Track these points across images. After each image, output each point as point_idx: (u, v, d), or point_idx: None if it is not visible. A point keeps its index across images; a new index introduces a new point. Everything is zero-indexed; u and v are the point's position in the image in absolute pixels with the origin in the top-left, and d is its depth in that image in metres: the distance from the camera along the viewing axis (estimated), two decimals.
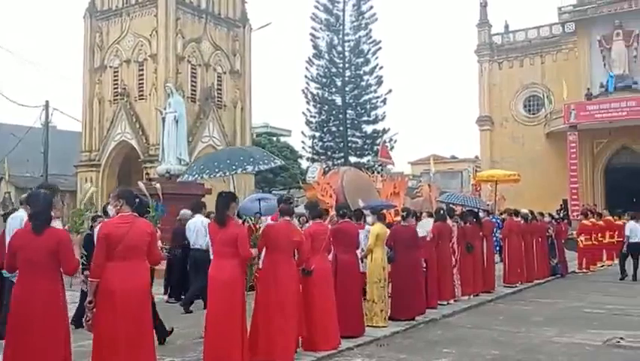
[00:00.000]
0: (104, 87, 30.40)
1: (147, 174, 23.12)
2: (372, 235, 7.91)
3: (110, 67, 30.30)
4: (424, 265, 8.83)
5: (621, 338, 7.29)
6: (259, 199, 8.83)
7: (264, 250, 6.10)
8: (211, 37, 30.59)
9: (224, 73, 30.83)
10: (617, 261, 17.80)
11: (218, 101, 30.18)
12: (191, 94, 28.91)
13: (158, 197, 10.66)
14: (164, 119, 17.87)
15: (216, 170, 6.40)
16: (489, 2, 40.71)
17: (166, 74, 27.49)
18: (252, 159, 6.48)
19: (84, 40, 30.90)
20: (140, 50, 29.44)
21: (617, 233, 18.28)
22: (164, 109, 18.15)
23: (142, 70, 29.16)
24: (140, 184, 9.87)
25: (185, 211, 10.16)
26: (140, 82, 29.22)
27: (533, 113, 38.57)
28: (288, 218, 6.33)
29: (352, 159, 28.69)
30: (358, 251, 7.87)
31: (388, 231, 8.38)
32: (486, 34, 40.41)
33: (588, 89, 34.93)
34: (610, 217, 18.85)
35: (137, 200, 5.05)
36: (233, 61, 31.15)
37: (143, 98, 28.93)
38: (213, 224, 5.74)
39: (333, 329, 6.56)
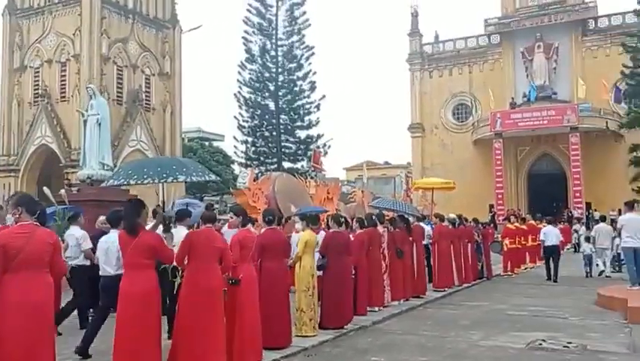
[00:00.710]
0: (24, 88, 28.86)
1: (68, 179, 21.98)
2: (301, 242, 7.69)
3: (31, 67, 28.81)
4: (353, 271, 8.71)
5: (543, 340, 7.43)
6: (187, 204, 8.48)
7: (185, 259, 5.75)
8: (139, 38, 29.61)
9: (153, 75, 29.92)
10: (539, 263, 18.65)
11: (146, 104, 29.22)
12: (117, 96, 27.82)
13: (64, 204, 9.99)
14: (85, 122, 16.95)
15: (145, 176, 6.02)
16: (420, 12, 41.92)
17: (90, 74, 26.36)
18: (184, 169, 6.15)
19: (2, 39, 29.29)
20: (62, 49, 28.13)
21: (539, 236, 19.07)
22: (86, 111, 17.23)
23: (64, 70, 27.86)
24: (45, 190, 9.22)
25: (104, 218, 9.56)
26: (62, 83, 27.91)
27: (462, 121, 39.92)
28: (210, 225, 6.02)
29: (286, 165, 28.47)
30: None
31: (318, 237, 8.21)
32: (417, 44, 41.50)
33: (512, 98, 36.54)
34: (532, 221, 19.62)
35: (39, 207, 4.60)
36: (163, 63, 30.27)
37: (65, 100, 27.62)
38: (123, 234, 5.35)
39: (258, 341, 6.29)
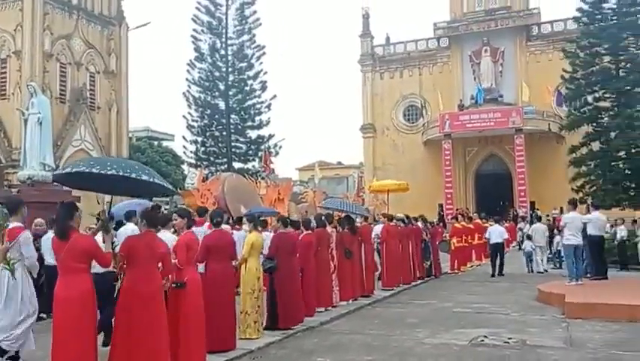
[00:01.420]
0: None
1: (8, 180, 21.06)
2: (247, 244, 7.60)
3: None
4: (300, 272, 8.69)
5: (485, 337, 7.61)
6: (139, 205, 8.22)
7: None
8: (83, 35, 28.71)
9: (98, 73, 29.08)
10: (485, 261, 19.26)
11: (91, 102, 28.37)
12: (60, 94, 26.89)
13: None
14: (26, 121, 16.32)
15: (108, 167, 5.76)
16: (371, 14, 42.36)
17: (31, 72, 25.39)
18: (147, 171, 5.92)
19: None
20: (2, 45, 27.08)
21: (485, 235, 19.62)
22: (27, 110, 16.58)
23: (4, 67, 26.78)
24: None
25: (40, 220, 9.21)
26: (2, 80, 26.82)
27: (412, 122, 40.58)
28: (152, 229, 5.82)
29: (236, 165, 28.15)
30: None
31: (265, 239, 8.14)
32: (368, 45, 41.91)
33: (460, 100, 37.42)
34: (479, 220, 20.15)
35: None
36: (108, 60, 29.46)
37: (5, 98, 26.52)
38: (55, 238, 5.13)
39: (202, 345, 6.17)
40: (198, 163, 28.22)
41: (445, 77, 39.27)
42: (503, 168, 36.94)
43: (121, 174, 5.64)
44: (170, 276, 5.98)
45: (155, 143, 37.47)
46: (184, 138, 29.13)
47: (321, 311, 9.34)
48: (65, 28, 28.05)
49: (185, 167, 32.27)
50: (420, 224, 15.28)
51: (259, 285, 7.45)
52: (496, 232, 16.39)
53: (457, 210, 30.02)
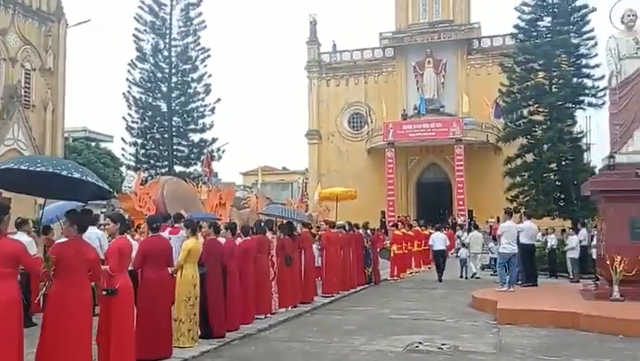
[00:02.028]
0: None
1: None
2: (184, 250, 7.43)
3: None
4: (238, 279, 8.57)
5: (419, 343, 7.75)
6: (73, 209, 7.88)
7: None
8: (19, 30, 27.46)
9: (34, 70, 27.85)
10: (424, 268, 19.73)
11: (25, 100, 27.10)
12: None
13: None
14: None
15: (38, 164, 5.44)
16: (318, 22, 42.65)
17: None
18: (80, 170, 5.65)
19: None
20: None
21: (424, 242, 20.07)
22: None
23: None
24: None
25: None
26: None
27: (357, 130, 41.07)
28: (81, 234, 5.59)
29: (178, 169, 27.54)
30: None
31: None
32: (315, 52, 42.17)
33: (404, 110, 38.18)
34: (418, 228, 20.57)
35: None
36: (45, 58, 28.26)
37: None
38: None
39: (132, 353, 5.98)
40: (138, 166, 27.39)
41: (390, 86, 40.00)
42: (443, 177, 37.92)
43: (51, 170, 5.37)
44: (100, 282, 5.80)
45: (93, 144, 36.19)
46: (123, 139, 28.31)
47: (260, 318, 9.26)
48: (0, 23, 26.75)
49: (123, 169, 31.34)
50: (361, 231, 15.45)
51: (195, 292, 7.29)
52: (440, 239, 17.26)
53: (398, 217, 30.55)
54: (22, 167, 5.48)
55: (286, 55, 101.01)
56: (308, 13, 43.34)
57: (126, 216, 9.89)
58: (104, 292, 5.90)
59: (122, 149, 28.63)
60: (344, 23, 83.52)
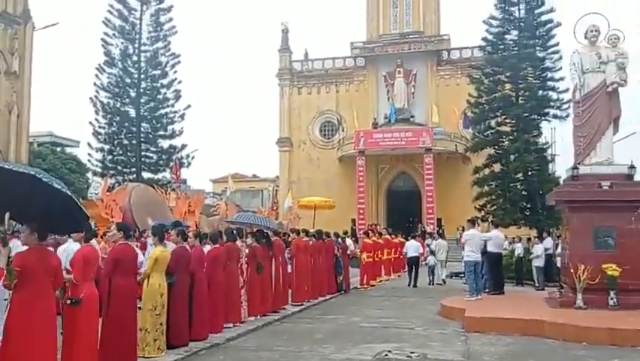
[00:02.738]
0: None
1: None
2: (151, 259, 7.31)
3: None
4: (206, 287, 8.47)
5: (389, 351, 7.77)
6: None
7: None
8: None
9: None
10: (394, 275, 19.87)
11: None
12: None
13: None
14: None
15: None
16: (290, 30, 42.74)
17: None
18: (42, 174, 5.48)
19: None
20: None
21: (393, 250, 20.20)
22: None
23: None
24: None
25: None
26: None
27: (328, 138, 41.21)
28: (43, 241, 5.44)
29: (146, 175, 27.06)
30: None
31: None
32: (287, 60, 42.23)
33: (375, 118, 38.49)
34: (388, 236, 20.70)
35: None
36: (11, 61, 27.55)
37: None
38: None
39: None
40: (104, 172, 26.83)
41: (361, 95, 40.30)
42: (413, 186, 38.28)
43: (18, 169, 5.26)
44: (64, 290, 5.66)
45: (59, 149, 35.36)
46: (90, 145, 27.69)
47: (229, 327, 9.15)
48: None
49: (89, 175, 30.67)
50: (332, 238, 15.47)
51: (162, 301, 7.16)
52: (413, 247, 18.16)
53: (369, 225, 30.68)
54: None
55: (258, 62, 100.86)
56: (280, 21, 43.47)
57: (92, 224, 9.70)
58: (68, 302, 5.77)
59: (89, 154, 28.07)
60: (316, 32, 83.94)
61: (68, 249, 7.84)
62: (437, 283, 17.78)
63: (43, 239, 5.37)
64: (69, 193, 5.34)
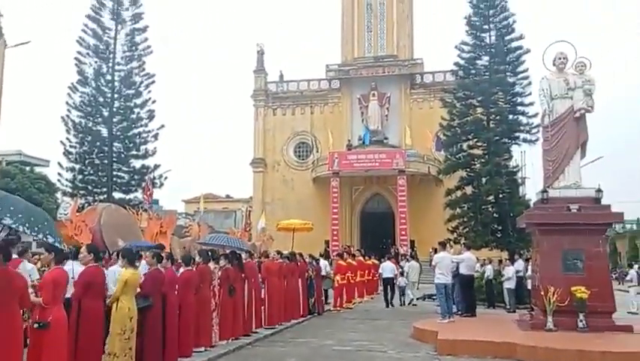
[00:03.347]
0: None
1: None
2: (121, 281, 7.15)
3: None
4: (177, 311, 8.32)
5: None
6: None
7: None
8: None
9: None
10: (367, 298, 19.86)
11: None
12: None
13: None
14: None
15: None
16: (266, 51, 42.98)
17: None
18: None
19: None
20: None
21: (367, 272, 20.21)
22: None
23: None
24: None
25: None
26: None
27: (303, 159, 41.29)
28: (6, 262, 5.31)
29: (117, 195, 26.62)
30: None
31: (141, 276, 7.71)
32: (262, 81, 42.39)
33: (349, 140, 38.75)
34: (361, 258, 20.71)
35: None
36: None
37: None
38: None
39: None
40: (74, 192, 26.30)
41: (336, 116, 40.59)
42: (387, 208, 38.47)
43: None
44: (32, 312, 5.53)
45: (28, 168, 34.62)
46: (60, 164, 27.13)
47: (200, 351, 8.98)
48: None
49: (59, 195, 30.01)
50: (307, 260, 15.41)
51: (131, 325, 7.00)
52: (388, 268, 18.79)
53: (343, 247, 30.63)
54: None
55: (233, 83, 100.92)
56: (256, 42, 43.69)
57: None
58: (36, 325, 5.63)
59: (59, 174, 27.48)
60: (291, 54, 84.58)
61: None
62: (409, 304, 18.14)
63: (7, 260, 5.27)
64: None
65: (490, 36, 23.56)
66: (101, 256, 7.11)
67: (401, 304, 18.12)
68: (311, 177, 39.28)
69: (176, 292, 8.43)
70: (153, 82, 28.43)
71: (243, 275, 11.14)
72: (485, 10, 23.56)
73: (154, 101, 28.28)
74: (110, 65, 28.01)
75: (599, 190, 11.25)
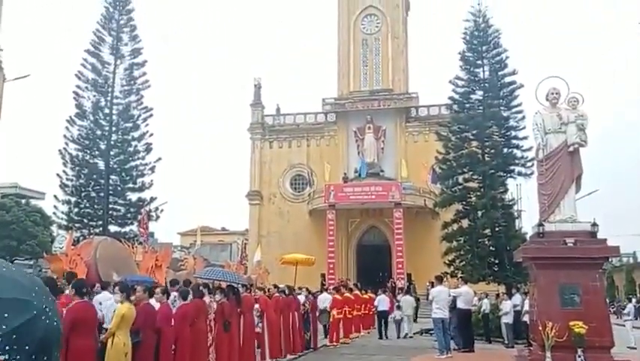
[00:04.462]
0: None
1: None
2: (117, 316, 7.09)
3: None
4: (173, 346, 8.22)
5: None
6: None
7: None
8: None
9: None
10: (363, 332, 19.64)
11: None
12: None
13: None
14: None
15: None
16: (263, 85, 43.49)
17: None
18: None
19: None
20: None
21: (363, 306, 20.05)
22: None
23: None
24: None
25: None
26: None
27: (299, 191, 41.33)
28: None
29: (112, 228, 26.54)
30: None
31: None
32: (259, 114, 42.75)
33: (345, 173, 38.88)
34: (358, 292, 20.56)
35: None
36: None
37: None
38: None
39: None
40: (70, 225, 26.22)
41: (332, 149, 40.81)
42: (383, 240, 38.33)
43: None
44: None
45: (23, 201, 34.54)
46: (55, 197, 27.09)
47: None
48: None
49: (54, 228, 29.88)
50: (304, 294, 15.28)
51: None
52: (383, 302, 19.35)
53: (339, 280, 30.40)
54: None
55: (229, 116, 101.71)
56: (253, 76, 44.21)
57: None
58: None
59: (55, 207, 27.43)
60: (288, 88, 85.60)
61: None
62: (405, 337, 18.57)
63: None
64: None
65: (483, 71, 23.94)
66: (84, 291, 6.96)
67: (398, 337, 18.47)
68: (307, 210, 39.25)
69: (171, 327, 8.34)
70: (151, 115, 28.71)
71: (239, 309, 11.04)
72: (478, 45, 24.00)
73: (151, 134, 28.50)
74: (109, 98, 28.29)
75: (594, 224, 11.26)
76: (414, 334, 18.68)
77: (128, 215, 27.36)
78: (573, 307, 10.52)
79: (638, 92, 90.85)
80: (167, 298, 8.92)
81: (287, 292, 14.09)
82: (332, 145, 41.08)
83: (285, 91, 75.59)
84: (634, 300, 24.04)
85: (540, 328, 10.31)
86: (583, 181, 11.81)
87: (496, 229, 21.82)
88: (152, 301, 8.38)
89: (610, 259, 18.28)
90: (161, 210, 27.96)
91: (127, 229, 27.23)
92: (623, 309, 27.01)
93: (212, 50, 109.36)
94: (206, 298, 9.91)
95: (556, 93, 11.80)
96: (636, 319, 19.90)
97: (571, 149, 11.40)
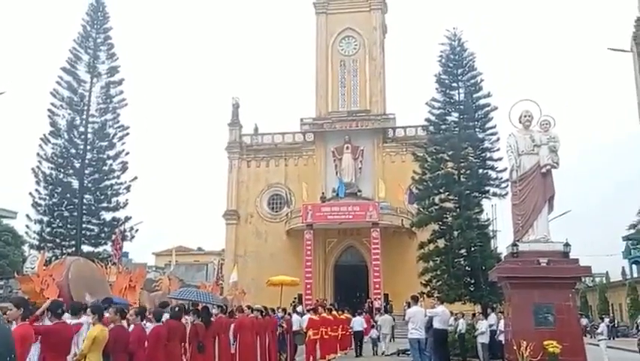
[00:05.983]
0: None
1: None
2: (89, 338, 6.97)
3: None
4: None
5: None
6: None
7: None
8: None
9: None
10: (340, 353, 19.52)
11: None
12: None
13: None
14: None
15: None
16: (241, 104, 43.51)
17: None
18: None
19: None
20: None
21: (340, 327, 19.96)
22: None
23: None
24: None
25: None
26: None
27: (276, 211, 41.19)
28: None
29: (86, 248, 26.07)
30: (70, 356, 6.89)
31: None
32: (237, 133, 42.71)
33: (323, 193, 38.92)
34: (335, 312, 20.49)
35: None
36: None
37: None
38: None
39: None
40: (42, 245, 25.68)
41: (310, 169, 40.88)
42: (360, 260, 38.32)
43: None
44: None
45: None
46: (28, 216, 26.55)
47: None
48: None
49: (26, 248, 29.23)
50: (279, 314, 15.16)
51: None
52: (358, 322, 20.30)
53: (316, 300, 30.23)
54: None
55: (206, 135, 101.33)
56: (231, 95, 44.27)
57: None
58: None
59: (27, 226, 26.86)
60: (266, 108, 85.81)
61: None
62: (381, 354, 19.56)
63: None
64: None
65: (459, 93, 24.35)
66: (61, 312, 6.86)
67: (374, 354, 19.52)
68: (284, 230, 39.11)
69: (144, 350, 8.20)
70: (127, 134, 28.47)
71: (213, 331, 10.90)
72: (454, 68, 24.45)
73: (127, 153, 28.23)
74: (84, 117, 28.02)
75: (566, 244, 11.46)
76: (391, 354, 18.67)
77: (102, 235, 26.94)
78: (547, 327, 10.64)
79: (611, 113, 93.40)
80: (142, 320, 8.75)
81: (263, 312, 13.96)
82: (310, 165, 41.16)
83: (263, 110, 75.74)
84: (607, 320, 24.33)
85: (515, 347, 10.40)
86: (560, 202, 12.04)
87: (472, 248, 22.01)
88: (124, 323, 8.24)
89: (583, 279, 18.57)
90: (136, 230, 27.62)
91: (100, 249, 26.78)
92: (597, 328, 27.34)
93: (190, 68, 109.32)
94: (183, 319, 9.78)
95: (529, 116, 12.08)
96: (610, 338, 20.13)
97: (543, 170, 11.64)
